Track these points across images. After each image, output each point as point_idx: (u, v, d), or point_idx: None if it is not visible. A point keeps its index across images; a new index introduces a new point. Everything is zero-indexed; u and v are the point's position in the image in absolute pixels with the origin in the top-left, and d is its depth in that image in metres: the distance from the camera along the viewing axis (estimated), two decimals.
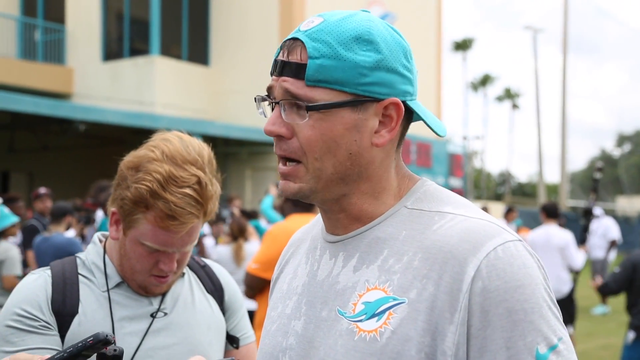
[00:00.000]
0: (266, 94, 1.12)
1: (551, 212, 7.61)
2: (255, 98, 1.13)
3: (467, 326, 0.99)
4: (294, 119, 1.07)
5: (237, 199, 10.76)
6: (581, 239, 7.37)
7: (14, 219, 5.68)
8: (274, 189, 7.86)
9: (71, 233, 7.15)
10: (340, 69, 1.04)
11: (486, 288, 0.99)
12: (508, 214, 13.89)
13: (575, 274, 7.42)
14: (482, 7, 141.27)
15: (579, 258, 7.27)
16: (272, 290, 1.29)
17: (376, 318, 1.04)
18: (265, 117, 1.12)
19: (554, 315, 1.01)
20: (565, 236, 7.38)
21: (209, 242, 8.50)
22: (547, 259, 7.15)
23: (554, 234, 7.41)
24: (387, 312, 1.03)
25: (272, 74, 1.10)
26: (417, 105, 1.12)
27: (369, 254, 1.09)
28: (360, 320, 1.05)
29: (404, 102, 1.09)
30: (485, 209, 13.72)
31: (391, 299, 1.04)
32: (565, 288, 7.33)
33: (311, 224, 1.28)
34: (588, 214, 7.32)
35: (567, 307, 7.26)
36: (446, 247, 1.03)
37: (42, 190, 7.97)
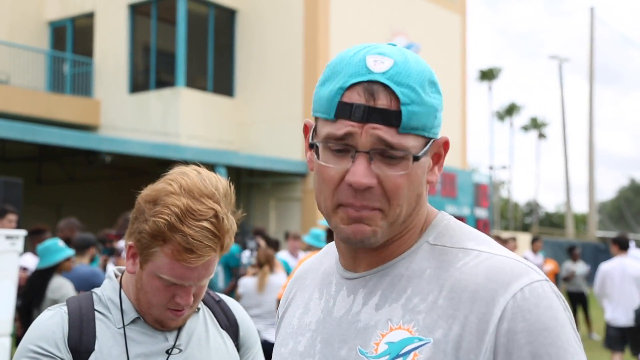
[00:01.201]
0: (331, 139, 1.04)
1: (623, 244, 8.10)
2: (311, 145, 1.07)
3: None
4: (381, 168, 1.02)
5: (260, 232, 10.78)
6: None
7: (69, 253, 5.49)
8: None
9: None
10: (424, 115, 1.03)
11: (511, 329, 0.96)
12: (534, 244, 13.72)
13: None
14: (505, 36, 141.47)
15: None
16: (280, 325, 1.26)
17: (401, 359, 1.01)
18: (325, 164, 1.05)
19: None
20: None
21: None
22: (623, 289, 7.57)
23: (629, 264, 7.84)
24: (412, 353, 1.00)
25: (345, 117, 1.02)
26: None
27: (391, 292, 1.06)
28: None
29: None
30: (513, 239, 13.66)
31: (417, 339, 1.01)
32: None
33: (318, 256, 1.25)
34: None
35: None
36: (472, 286, 1.00)
37: (73, 220, 7.99)
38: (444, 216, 1.13)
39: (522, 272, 1.01)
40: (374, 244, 1.06)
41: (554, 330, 0.97)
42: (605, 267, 8.09)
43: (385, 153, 1.02)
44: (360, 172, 1.02)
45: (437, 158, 1.10)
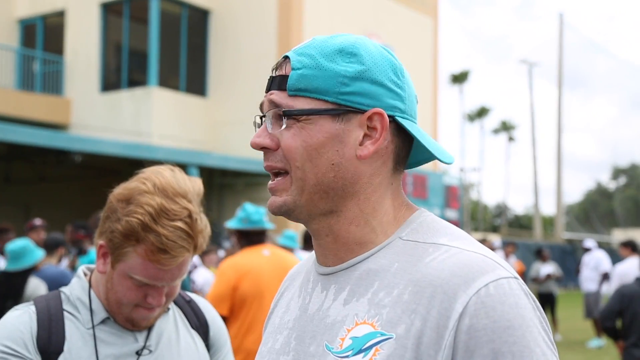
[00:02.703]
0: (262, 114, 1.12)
1: (634, 247, 9.16)
2: (254, 122, 1.12)
3: None
4: (279, 130, 1.07)
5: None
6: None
7: (42, 253, 5.47)
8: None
9: (64, 265, 7.12)
10: (320, 78, 1.04)
11: (473, 326, 0.93)
12: (507, 248, 13.87)
13: None
14: (476, 39, 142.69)
15: None
16: (266, 325, 1.25)
17: (363, 354, 0.99)
18: None
19: None
20: None
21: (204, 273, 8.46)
22: None
23: None
24: (374, 348, 0.99)
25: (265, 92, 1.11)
26: (414, 127, 1.08)
27: (359, 287, 1.05)
28: (347, 357, 1.01)
29: (393, 117, 1.06)
30: (483, 241, 13.82)
31: (379, 334, 0.99)
32: None
33: (308, 257, 1.24)
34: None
35: None
36: (437, 281, 0.98)
37: (37, 221, 7.94)
38: (422, 213, 1.11)
39: (488, 268, 0.98)
40: (292, 214, 1.08)
41: (519, 328, 0.93)
42: (620, 268, 8.81)
43: (279, 115, 1.06)
44: (256, 134, 1.09)
45: (375, 133, 1.06)
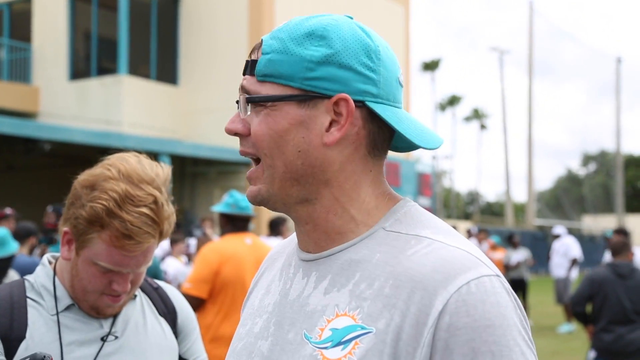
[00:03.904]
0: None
1: (627, 234, 9.65)
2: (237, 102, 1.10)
3: None
4: (250, 117, 1.05)
5: (208, 220, 10.77)
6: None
7: (17, 243, 5.41)
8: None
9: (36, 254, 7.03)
10: (286, 63, 1.02)
11: (453, 324, 0.92)
12: (479, 234, 14.04)
13: None
14: (446, 28, 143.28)
15: None
16: (244, 306, 1.23)
17: (342, 346, 0.98)
18: None
19: None
20: None
21: (173, 262, 8.41)
22: None
23: None
24: (354, 342, 0.98)
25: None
26: (388, 110, 1.04)
27: (341, 277, 1.03)
28: (326, 348, 1.00)
29: (363, 102, 1.03)
30: (454, 228, 13.95)
31: (359, 327, 0.98)
32: None
33: (290, 239, 1.22)
34: None
35: None
36: (417, 276, 0.96)
37: (8, 210, 7.82)
38: (407, 203, 1.08)
39: (470, 265, 0.96)
40: (266, 204, 1.07)
41: (500, 328, 0.92)
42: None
43: (251, 102, 1.04)
44: (230, 119, 1.08)
45: (340, 119, 1.03)
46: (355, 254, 1.04)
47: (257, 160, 1.07)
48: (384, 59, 1.06)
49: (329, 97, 1.02)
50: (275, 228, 8.30)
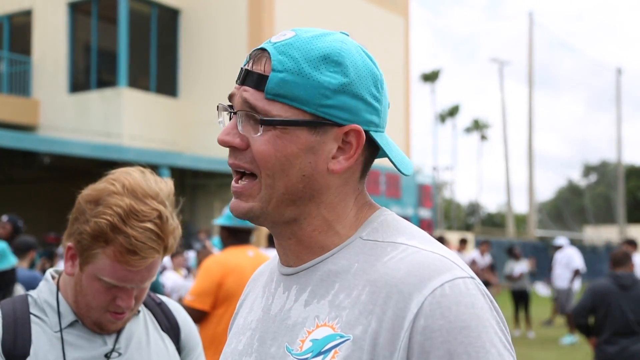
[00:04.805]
0: (229, 103, 1.08)
1: (636, 245, 10.09)
2: (217, 106, 1.09)
3: None
4: (249, 132, 1.04)
5: (203, 232, 10.75)
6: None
7: (16, 259, 5.34)
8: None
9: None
10: (302, 87, 1.01)
11: (428, 327, 0.93)
12: (481, 246, 13.97)
13: None
14: (446, 38, 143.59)
15: None
16: (231, 326, 1.24)
17: (322, 356, 0.99)
18: (224, 126, 1.08)
19: None
20: None
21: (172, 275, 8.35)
22: None
23: None
24: (333, 351, 0.98)
25: (236, 82, 1.07)
26: (383, 138, 1.07)
27: (320, 288, 1.04)
28: (306, 359, 1.00)
29: (367, 132, 1.05)
30: (464, 241, 13.82)
31: (338, 336, 0.99)
32: None
33: (273, 258, 1.22)
34: None
35: None
36: (392, 281, 0.97)
37: (4, 217, 7.80)
38: (383, 212, 1.10)
39: (444, 268, 0.97)
40: (256, 221, 1.07)
41: (475, 329, 0.93)
42: None
43: (252, 116, 1.03)
44: (224, 130, 1.06)
45: (350, 148, 1.04)
46: (334, 264, 1.05)
47: (244, 174, 1.05)
48: (385, 88, 1.09)
49: (339, 125, 1.03)
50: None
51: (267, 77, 1.02)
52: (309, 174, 1.03)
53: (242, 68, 1.06)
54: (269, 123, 1.01)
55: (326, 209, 1.06)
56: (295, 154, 1.02)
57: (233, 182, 1.07)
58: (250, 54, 1.06)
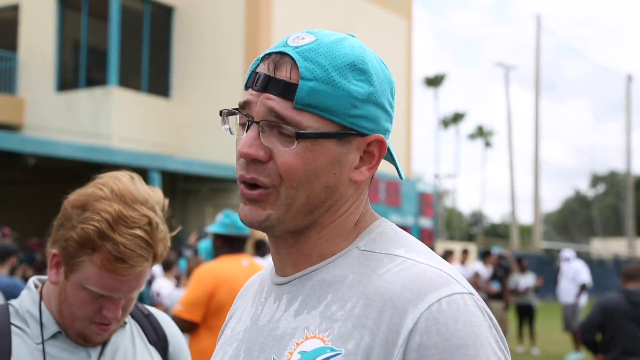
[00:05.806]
0: (235, 107, 1.06)
1: None
2: (221, 112, 1.08)
3: None
4: (274, 143, 1.01)
5: (194, 234, 10.63)
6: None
7: None
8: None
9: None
10: (333, 97, 1.00)
11: (424, 344, 0.92)
12: (486, 258, 13.79)
13: None
14: (450, 42, 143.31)
15: None
16: (219, 337, 1.23)
17: None
18: (232, 134, 1.08)
19: None
20: None
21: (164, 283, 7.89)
22: None
23: None
24: None
25: (248, 87, 1.05)
26: (390, 145, 1.09)
27: (311, 298, 1.04)
28: None
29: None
30: (466, 251, 13.58)
31: (328, 349, 0.98)
32: None
33: (266, 268, 1.22)
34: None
35: None
36: (387, 294, 0.97)
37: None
38: (382, 222, 1.10)
39: (442, 283, 0.97)
40: (270, 230, 1.05)
41: (473, 347, 0.92)
42: None
43: (277, 127, 1.01)
44: (246, 141, 1.02)
45: (371, 158, 1.05)
46: (329, 274, 1.05)
47: (255, 185, 1.03)
48: (395, 93, 1.10)
49: (363, 135, 1.04)
50: (261, 248, 8.26)
51: (295, 85, 1.00)
52: (333, 184, 1.04)
53: (256, 72, 1.04)
54: (305, 136, 1.00)
55: (340, 218, 1.07)
56: (324, 167, 1.02)
57: (245, 189, 1.05)
58: (262, 57, 1.05)
